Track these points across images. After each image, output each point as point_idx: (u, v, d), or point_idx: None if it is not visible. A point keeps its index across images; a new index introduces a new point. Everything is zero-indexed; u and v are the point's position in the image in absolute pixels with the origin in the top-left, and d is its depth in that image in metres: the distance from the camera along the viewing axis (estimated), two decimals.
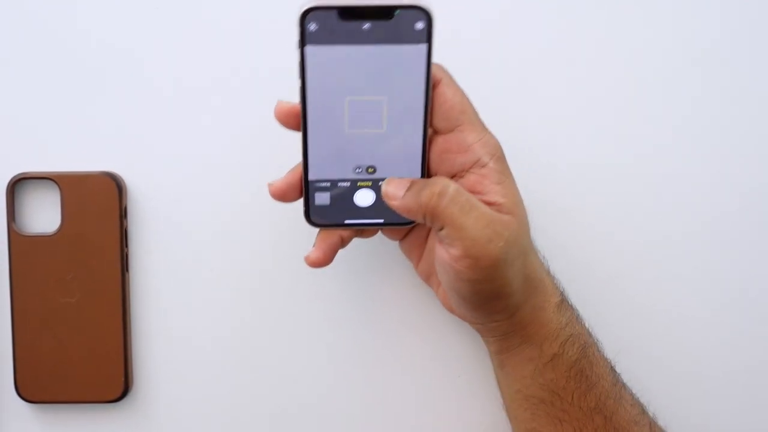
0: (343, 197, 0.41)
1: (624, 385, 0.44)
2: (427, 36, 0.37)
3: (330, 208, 0.41)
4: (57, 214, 0.49)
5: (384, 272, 0.50)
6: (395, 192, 0.39)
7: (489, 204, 0.39)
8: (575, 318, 0.43)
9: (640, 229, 0.50)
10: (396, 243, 0.47)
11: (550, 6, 0.49)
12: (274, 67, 0.49)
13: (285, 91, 0.49)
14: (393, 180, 0.40)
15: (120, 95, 0.49)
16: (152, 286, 0.50)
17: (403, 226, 0.43)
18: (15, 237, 0.49)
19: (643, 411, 0.44)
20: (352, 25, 0.37)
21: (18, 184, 0.49)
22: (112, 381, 0.49)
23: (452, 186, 0.38)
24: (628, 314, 0.50)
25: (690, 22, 0.49)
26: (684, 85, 0.49)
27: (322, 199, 0.41)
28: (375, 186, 0.41)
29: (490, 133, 0.40)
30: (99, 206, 0.49)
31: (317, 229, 0.43)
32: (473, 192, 0.39)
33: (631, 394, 0.44)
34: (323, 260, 0.42)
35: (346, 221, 0.42)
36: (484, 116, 0.41)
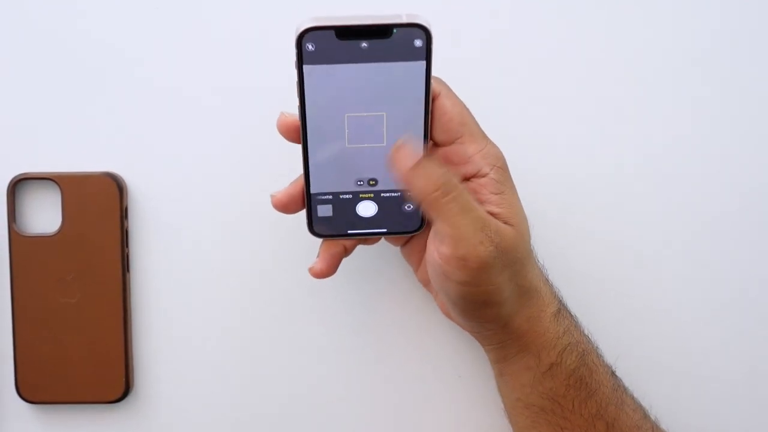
0: (346, 209, 0.41)
1: (625, 390, 0.44)
2: (426, 53, 0.37)
3: (332, 219, 0.41)
4: (57, 215, 0.49)
5: (383, 274, 0.50)
6: (405, 158, 0.38)
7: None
8: (573, 326, 0.43)
9: (640, 230, 0.50)
10: (396, 248, 0.47)
11: (550, 7, 0.49)
12: (275, 67, 0.49)
13: (285, 91, 0.49)
14: (406, 144, 0.39)
15: (120, 95, 0.49)
16: (153, 287, 0.50)
17: (407, 234, 0.43)
18: (16, 237, 0.49)
19: (645, 415, 0.44)
20: (350, 44, 0.37)
21: (18, 184, 0.49)
22: (113, 381, 0.49)
23: (459, 186, 0.38)
24: (628, 316, 0.50)
25: (690, 22, 0.49)
26: (684, 85, 0.49)
27: (324, 210, 0.41)
28: (377, 197, 0.41)
29: (491, 143, 0.40)
30: (99, 207, 0.49)
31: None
32: None
33: (633, 399, 0.44)
34: (327, 271, 0.42)
35: (349, 231, 0.42)
36: (482, 118, 0.41)
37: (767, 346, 0.51)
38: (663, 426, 0.45)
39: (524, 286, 0.41)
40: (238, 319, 0.51)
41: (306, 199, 0.41)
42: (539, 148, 0.49)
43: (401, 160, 0.38)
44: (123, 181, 0.49)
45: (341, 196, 0.41)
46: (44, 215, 0.50)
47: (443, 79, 0.41)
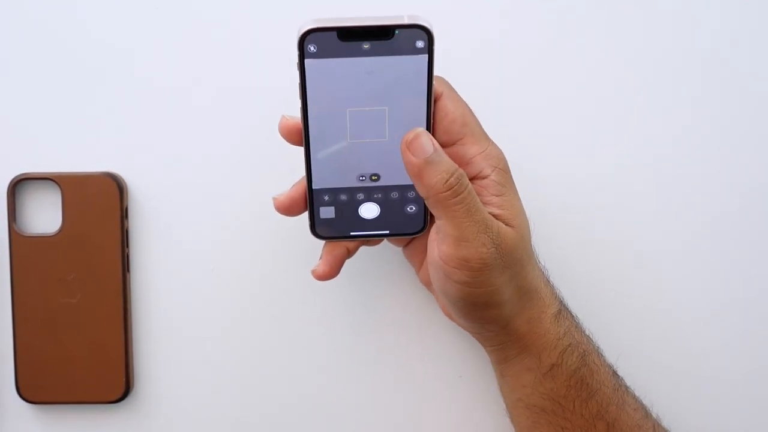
0: (348, 210, 0.41)
1: (626, 390, 0.44)
2: (428, 54, 0.37)
3: (335, 221, 0.41)
4: (58, 215, 0.49)
5: (384, 274, 0.50)
6: (419, 149, 0.37)
7: None
8: (574, 326, 0.43)
9: (640, 230, 0.50)
10: (398, 248, 0.47)
11: (550, 7, 0.49)
12: (275, 67, 0.49)
13: (285, 91, 0.49)
14: (423, 134, 0.38)
15: (120, 96, 0.49)
16: (153, 287, 0.50)
17: (410, 236, 0.43)
18: (16, 237, 0.49)
19: (646, 414, 0.44)
20: (351, 45, 0.37)
21: (19, 184, 0.49)
22: (114, 381, 0.49)
23: (469, 186, 0.38)
24: (628, 316, 0.50)
25: (690, 22, 0.49)
26: (684, 85, 0.50)
27: (326, 212, 0.41)
28: (379, 199, 0.41)
29: (493, 144, 0.40)
30: (100, 207, 0.49)
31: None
32: None
33: (634, 398, 0.44)
34: (330, 273, 0.42)
35: (352, 233, 0.42)
36: (482, 118, 0.41)
37: (767, 345, 0.51)
38: (665, 424, 0.45)
39: (524, 287, 0.41)
40: (239, 319, 0.51)
41: (308, 201, 0.41)
42: (539, 148, 0.49)
43: (415, 150, 0.37)
44: (123, 181, 0.49)
45: (343, 197, 0.41)
46: (44, 215, 0.50)
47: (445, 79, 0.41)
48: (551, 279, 0.44)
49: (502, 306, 0.40)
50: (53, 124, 0.49)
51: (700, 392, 0.51)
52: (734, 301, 0.50)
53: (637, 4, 0.49)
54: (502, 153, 0.40)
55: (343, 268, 0.43)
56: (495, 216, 0.39)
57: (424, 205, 0.41)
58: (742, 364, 0.51)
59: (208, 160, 0.50)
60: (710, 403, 0.51)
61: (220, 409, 0.51)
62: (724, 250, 0.50)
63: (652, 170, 0.50)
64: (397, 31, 0.37)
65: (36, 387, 0.49)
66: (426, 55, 0.37)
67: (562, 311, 0.43)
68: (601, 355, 0.44)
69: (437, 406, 0.51)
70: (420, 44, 0.37)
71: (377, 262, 0.50)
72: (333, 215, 0.41)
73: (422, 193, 0.38)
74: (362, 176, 0.40)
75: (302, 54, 0.37)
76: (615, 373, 0.44)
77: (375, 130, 0.39)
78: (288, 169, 0.49)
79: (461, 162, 0.40)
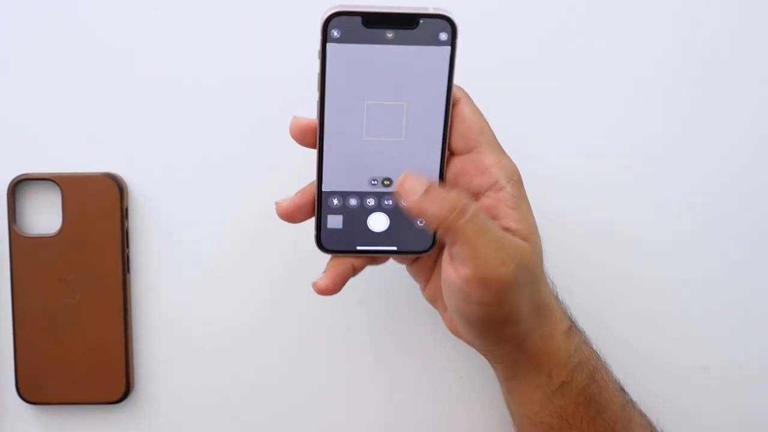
0: (356, 221, 0.40)
1: (633, 406, 0.44)
2: (451, 45, 0.37)
3: (342, 232, 0.40)
4: (58, 215, 0.49)
5: (384, 275, 0.50)
6: (413, 188, 0.37)
7: (504, 229, 0.38)
8: (584, 342, 0.42)
9: (640, 230, 0.50)
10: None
11: (550, 7, 0.49)
12: (276, 66, 0.49)
13: (286, 92, 0.49)
14: (411, 175, 0.37)
15: (121, 96, 0.49)
16: (153, 287, 0.50)
17: (418, 255, 0.42)
18: (16, 238, 0.49)
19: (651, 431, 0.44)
20: (375, 32, 0.36)
21: (19, 185, 0.49)
22: (114, 382, 0.49)
23: (473, 206, 0.37)
24: (628, 316, 0.51)
25: (690, 22, 0.49)
26: (684, 85, 0.50)
27: (334, 221, 0.40)
28: (390, 208, 0.40)
29: (507, 156, 0.40)
30: (100, 207, 0.49)
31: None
32: (488, 215, 0.38)
33: (641, 415, 0.44)
34: (332, 289, 0.41)
35: (359, 247, 0.41)
36: None
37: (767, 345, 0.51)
38: (664, 425, 0.45)
39: (539, 303, 0.40)
40: (239, 320, 0.51)
41: (316, 207, 0.40)
42: (539, 148, 0.49)
43: (409, 190, 0.37)
44: (123, 181, 0.49)
45: (353, 203, 0.40)
46: (45, 216, 0.50)
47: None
48: (560, 294, 0.43)
49: (519, 324, 0.39)
50: (53, 124, 0.49)
51: (700, 391, 0.51)
52: (735, 301, 0.51)
53: (637, 4, 0.49)
54: (516, 166, 0.40)
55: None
56: (510, 230, 0.38)
57: None
58: (742, 363, 0.51)
59: (208, 160, 0.50)
60: (710, 402, 0.51)
61: (220, 409, 0.51)
62: (725, 250, 0.50)
63: (652, 170, 0.50)
64: (421, 21, 0.36)
65: (36, 387, 0.49)
66: (449, 48, 0.37)
67: (573, 327, 0.42)
68: (609, 370, 0.44)
69: (437, 406, 0.51)
70: (443, 36, 0.37)
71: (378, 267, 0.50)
72: (340, 225, 0.40)
73: (432, 226, 0.37)
74: (374, 180, 0.39)
75: (325, 38, 0.36)
76: (622, 389, 0.44)
77: (392, 127, 0.38)
78: (288, 169, 0.49)
79: (476, 171, 0.39)
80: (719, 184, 0.50)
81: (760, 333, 0.51)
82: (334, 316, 0.51)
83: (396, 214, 0.40)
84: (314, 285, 0.41)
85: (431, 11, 0.36)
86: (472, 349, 0.50)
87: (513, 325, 0.39)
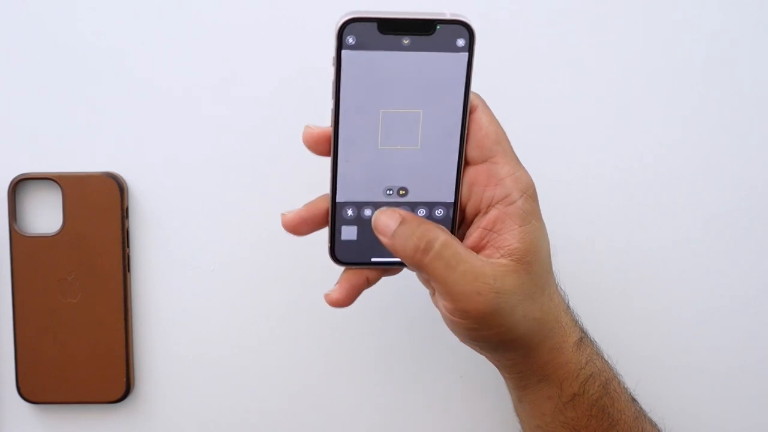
0: (371, 231, 0.38)
1: (645, 417, 0.43)
2: (469, 51, 0.36)
3: (357, 244, 0.39)
4: (58, 215, 0.49)
5: (386, 277, 0.50)
6: (384, 228, 0.37)
7: (502, 247, 0.37)
8: (596, 353, 0.42)
9: (640, 230, 0.50)
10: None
11: (550, 7, 0.49)
12: (277, 67, 0.49)
13: (286, 91, 0.49)
14: (383, 213, 0.37)
15: (121, 96, 0.49)
16: (154, 287, 0.50)
17: None
18: (16, 237, 0.49)
19: None
20: (391, 39, 0.36)
21: (19, 184, 0.49)
22: (114, 381, 0.49)
23: (439, 240, 0.36)
24: (628, 316, 0.50)
25: (690, 22, 0.49)
26: (684, 85, 0.49)
27: (348, 233, 0.39)
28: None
29: (524, 169, 0.38)
30: (100, 207, 0.49)
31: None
32: (492, 229, 0.38)
33: (651, 424, 0.43)
34: (345, 302, 0.40)
35: (373, 259, 0.40)
36: None
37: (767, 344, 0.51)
38: (663, 424, 0.45)
39: (542, 318, 0.39)
40: (239, 319, 0.51)
41: (330, 218, 0.39)
42: (539, 148, 0.49)
43: (382, 228, 0.37)
44: (124, 181, 0.49)
45: (368, 213, 0.39)
46: (45, 215, 0.50)
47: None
48: (571, 305, 0.43)
49: (517, 340, 0.39)
50: (54, 124, 0.50)
51: (699, 391, 0.51)
52: (734, 301, 0.50)
53: (637, 5, 0.49)
54: (531, 179, 0.38)
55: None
56: (511, 249, 0.37)
57: (450, 230, 0.39)
58: (742, 363, 0.51)
59: (208, 160, 0.50)
60: (710, 402, 0.51)
61: (220, 408, 0.51)
62: (725, 250, 0.50)
63: (653, 170, 0.50)
64: (438, 27, 0.36)
65: (36, 387, 0.49)
66: (466, 54, 0.36)
67: (584, 339, 0.41)
68: (621, 380, 0.43)
69: (438, 406, 0.51)
70: (461, 42, 0.36)
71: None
72: (355, 237, 0.39)
73: (406, 264, 0.37)
74: (389, 190, 0.38)
75: (340, 45, 0.35)
76: (634, 399, 0.43)
77: (407, 136, 0.37)
78: (289, 169, 0.50)
79: (490, 181, 0.38)
80: (720, 184, 0.50)
81: (760, 332, 0.51)
82: (335, 317, 0.51)
83: None
84: (327, 297, 0.39)
85: (448, 17, 0.36)
86: (473, 351, 0.50)
87: (511, 342, 0.39)
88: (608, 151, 0.50)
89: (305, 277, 0.50)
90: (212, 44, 0.49)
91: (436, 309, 0.48)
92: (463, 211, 0.39)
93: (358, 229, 0.39)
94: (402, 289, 0.50)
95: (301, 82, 0.49)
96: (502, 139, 0.38)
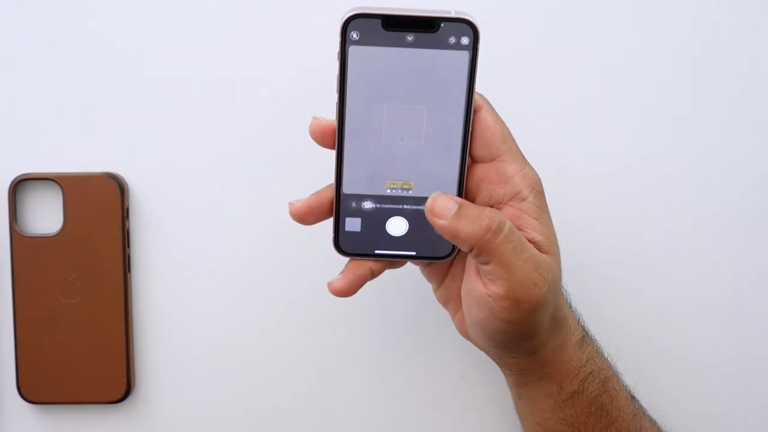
0: (375, 224, 0.39)
1: (643, 414, 0.43)
2: (473, 49, 0.36)
3: (360, 236, 0.39)
4: (59, 215, 0.49)
5: (386, 274, 0.50)
6: (443, 210, 0.36)
7: (527, 241, 0.38)
8: (596, 352, 0.42)
9: (640, 230, 0.50)
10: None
11: (550, 7, 0.49)
12: (278, 67, 0.49)
13: (285, 92, 0.49)
14: (441, 196, 0.37)
15: (122, 96, 0.49)
16: (154, 287, 0.50)
17: (436, 261, 0.41)
18: (17, 238, 0.49)
19: None
20: (395, 35, 0.36)
21: (20, 185, 0.49)
22: (115, 382, 0.49)
23: (508, 223, 0.36)
24: (627, 316, 0.51)
25: (690, 22, 0.49)
26: (684, 85, 0.50)
27: (352, 224, 0.39)
28: (409, 212, 0.39)
29: (530, 165, 0.39)
30: (101, 207, 0.49)
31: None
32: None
33: (650, 421, 0.44)
34: (348, 291, 0.39)
35: (377, 251, 0.40)
36: None
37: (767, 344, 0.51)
38: (667, 423, 0.45)
39: (558, 317, 0.40)
40: (239, 320, 0.51)
41: (335, 209, 0.39)
42: (538, 148, 0.49)
43: (440, 213, 0.36)
44: (124, 181, 0.49)
45: (372, 206, 0.39)
46: (45, 216, 0.50)
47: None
48: (573, 304, 0.43)
49: (538, 338, 0.39)
50: (54, 124, 0.50)
51: (698, 390, 0.51)
52: (734, 300, 0.51)
53: (636, 4, 0.49)
54: (538, 176, 0.39)
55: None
56: (534, 242, 0.38)
57: None
58: (742, 362, 0.51)
59: (209, 160, 0.50)
60: (710, 401, 0.51)
61: (220, 409, 0.51)
62: (724, 250, 0.50)
63: (652, 170, 0.50)
64: (442, 25, 0.36)
65: (37, 387, 0.49)
66: (470, 52, 0.36)
67: (585, 337, 0.42)
68: (620, 378, 0.43)
69: (438, 406, 0.51)
70: (465, 40, 0.36)
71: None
72: (359, 228, 0.39)
73: (465, 247, 0.36)
74: (394, 184, 0.39)
75: (344, 40, 0.36)
76: (633, 397, 0.43)
77: (412, 131, 0.38)
78: (289, 169, 0.50)
79: (498, 180, 0.38)
80: (720, 183, 0.50)
81: (760, 332, 0.51)
82: (336, 315, 0.51)
83: (415, 218, 0.39)
84: (330, 285, 0.39)
85: (453, 15, 0.36)
86: (473, 350, 0.50)
87: (532, 339, 0.39)
88: (608, 151, 0.50)
89: (306, 277, 0.50)
90: (213, 44, 0.49)
91: (438, 306, 0.49)
92: None
93: (362, 222, 0.39)
94: (403, 288, 0.50)
95: (302, 82, 0.49)
96: (507, 137, 0.38)
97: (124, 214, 0.49)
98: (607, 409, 0.41)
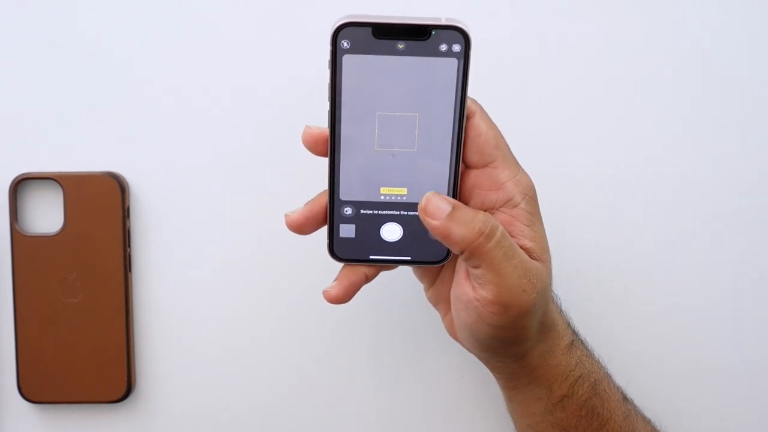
0: (369, 229, 0.39)
1: (636, 415, 0.43)
2: (464, 57, 0.36)
3: (355, 242, 0.39)
4: (60, 215, 0.49)
5: (386, 274, 0.50)
6: (436, 211, 0.37)
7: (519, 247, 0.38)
8: (586, 355, 0.42)
9: (639, 230, 0.50)
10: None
11: (550, 7, 0.49)
12: (278, 68, 0.49)
13: (285, 91, 0.49)
14: (435, 196, 0.37)
15: (122, 96, 0.49)
16: (155, 286, 0.50)
17: (431, 266, 0.41)
18: (18, 237, 0.49)
19: None
20: (386, 43, 0.36)
21: (21, 184, 0.49)
22: (115, 381, 0.49)
23: (500, 228, 0.36)
24: (626, 316, 0.51)
25: (690, 22, 0.49)
26: (684, 85, 0.50)
27: (347, 231, 0.39)
28: (403, 218, 0.39)
29: (523, 171, 0.39)
30: (101, 206, 0.49)
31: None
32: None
33: (644, 421, 0.44)
34: (344, 298, 0.40)
35: (371, 257, 0.40)
36: None
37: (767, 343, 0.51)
38: (663, 425, 0.45)
39: (546, 323, 0.40)
40: (240, 319, 0.51)
41: (329, 217, 0.39)
42: (537, 148, 0.49)
43: (433, 213, 0.36)
44: (125, 180, 0.49)
45: (366, 213, 0.39)
46: (46, 215, 0.50)
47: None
48: (564, 308, 0.43)
49: (526, 343, 0.39)
50: (55, 123, 0.50)
51: (696, 389, 0.51)
52: (735, 300, 0.51)
53: (637, 4, 0.49)
54: (531, 181, 0.39)
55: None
56: (525, 248, 0.38)
57: None
58: (742, 361, 0.51)
59: (209, 160, 0.50)
60: (707, 401, 0.51)
61: (221, 408, 0.51)
62: (723, 250, 0.50)
63: (651, 170, 0.50)
64: (433, 32, 0.36)
65: (37, 386, 0.49)
66: (462, 59, 0.36)
67: (575, 341, 0.42)
68: (612, 381, 0.43)
69: (439, 406, 0.51)
70: (456, 48, 0.36)
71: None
72: (353, 234, 0.39)
73: (456, 249, 0.37)
74: (387, 190, 0.39)
75: (335, 49, 0.36)
76: (625, 398, 0.44)
77: (404, 138, 0.37)
78: (289, 169, 0.50)
79: (491, 186, 0.38)
80: (719, 183, 0.50)
81: (760, 332, 0.51)
82: (336, 315, 0.51)
83: (409, 224, 0.39)
84: (325, 293, 0.40)
85: (444, 22, 0.36)
86: None
87: (520, 344, 0.39)
88: (607, 151, 0.50)
89: (306, 277, 0.50)
90: (213, 44, 0.49)
91: (433, 306, 0.49)
92: None
93: (356, 228, 0.39)
94: (402, 289, 0.50)
95: (302, 83, 0.49)
96: (501, 143, 0.38)
97: (125, 213, 0.49)
98: (598, 411, 0.42)
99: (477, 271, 0.37)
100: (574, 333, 0.43)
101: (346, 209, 0.39)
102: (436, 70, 0.36)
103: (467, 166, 0.39)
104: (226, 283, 0.50)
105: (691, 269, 0.50)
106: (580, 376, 0.41)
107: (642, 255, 0.50)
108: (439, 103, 0.37)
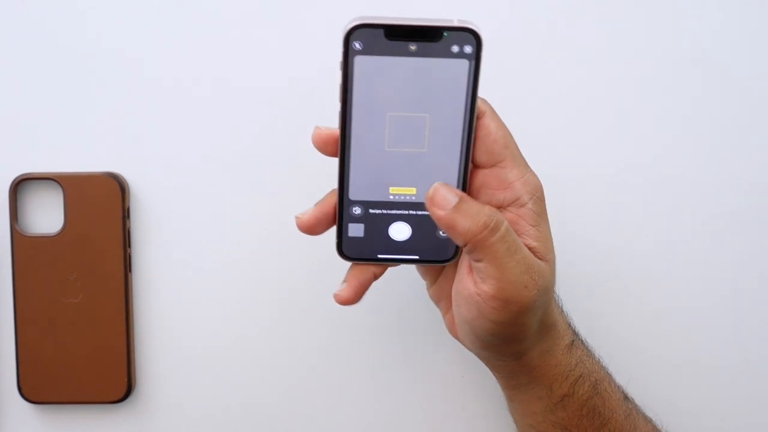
0: (378, 229, 0.39)
1: (637, 415, 0.43)
2: (476, 58, 0.36)
3: (363, 241, 0.39)
4: (60, 215, 0.49)
5: (386, 274, 0.50)
6: (443, 202, 0.37)
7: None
8: (586, 355, 0.42)
9: (639, 230, 0.50)
10: None
11: (550, 7, 0.49)
12: (279, 68, 0.49)
13: (285, 91, 0.49)
14: (442, 186, 0.37)
15: (122, 96, 0.49)
16: (155, 287, 0.50)
17: (439, 264, 0.41)
18: (18, 237, 0.49)
19: None
20: (398, 45, 0.36)
21: (21, 184, 0.49)
22: (115, 381, 0.49)
23: (505, 223, 0.36)
24: (626, 316, 0.51)
25: (690, 22, 0.49)
26: (683, 85, 0.50)
27: (355, 230, 0.39)
28: (412, 217, 0.39)
29: (531, 171, 0.39)
30: (102, 207, 0.49)
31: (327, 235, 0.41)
32: None
33: (645, 420, 0.44)
34: (354, 299, 0.40)
35: (380, 256, 0.40)
36: None
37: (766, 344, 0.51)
38: (663, 424, 0.45)
39: (547, 322, 0.40)
40: (240, 319, 0.51)
41: (338, 216, 0.39)
42: (537, 148, 0.49)
43: (439, 203, 0.37)
44: (125, 181, 0.49)
45: (375, 212, 0.39)
46: (46, 215, 0.50)
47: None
48: (565, 308, 0.43)
49: (526, 341, 0.39)
50: (55, 124, 0.50)
51: (696, 389, 0.51)
52: (734, 300, 0.51)
53: (637, 4, 0.49)
54: (539, 181, 0.39)
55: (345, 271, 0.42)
56: (531, 248, 0.38)
57: None
58: (741, 361, 0.51)
59: (209, 160, 0.50)
60: (708, 400, 0.51)
61: (221, 408, 0.51)
62: (723, 250, 0.50)
63: (651, 170, 0.50)
64: (445, 34, 0.36)
65: (37, 387, 0.49)
66: (473, 61, 0.36)
67: (575, 341, 0.42)
68: (612, 380, 0.43)
69: (439, 406, 0.51)
70: (468, 49, 0.36)
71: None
72: (362, 234, 0.39)
73: (459, 241, 0.37)
74: (396, 190, 0.39)
75: (347, 50, 0.36)
76: (626, 397, 0.44)
77: (414, 139, 0.38)
78: (289, 169, 0.50)
79: (499, 185, 0.38)
80: (720, 183, 0.50)
81: (760, 332, 0.51)
82: (336, 315, 0.51)
83: (418, 223, 0.39)
84: (336, 297, 0.40)
85: (456, 24, 0.36)
86: None
87: (519, 342, 0.39)
88: (607, 151, 0.50)
89: (307, 277, 0.50)
90: (214, 44, 0.49)
91: (435, 304, 0.49)
92: None
93: (365, 227, 0.39)
94: (404, 287, 0.50)
95: (302, 83, 0.49)
96: (510, 143, 0.38)
97: (125, 213, 0.49)
98: (600, 411, 0.42)
99: (479, 265, 0.37)
100: (575, 333, 0.43)
101: (355, 209, 0.39)
102: (448, 72, 0.36)
103: (476, 166, 0.39)
104: (226, 283, 0.50)
105: (691, 269, 0.51)
106: (580, 376, 0.41)
107: (642, 255, 0.50)
108: (449, 103, 0.37)
